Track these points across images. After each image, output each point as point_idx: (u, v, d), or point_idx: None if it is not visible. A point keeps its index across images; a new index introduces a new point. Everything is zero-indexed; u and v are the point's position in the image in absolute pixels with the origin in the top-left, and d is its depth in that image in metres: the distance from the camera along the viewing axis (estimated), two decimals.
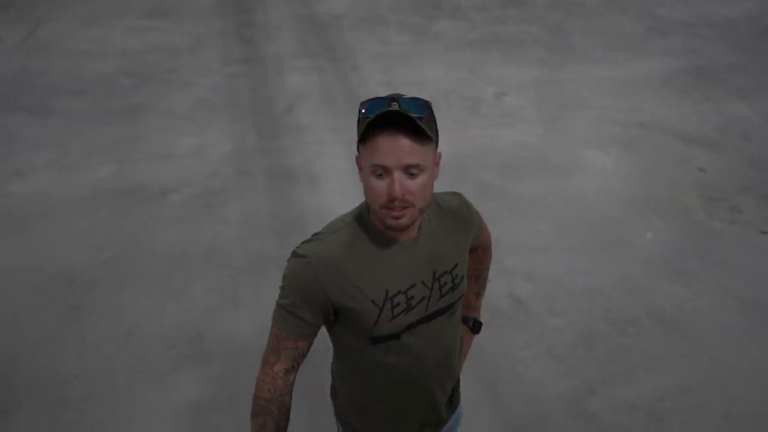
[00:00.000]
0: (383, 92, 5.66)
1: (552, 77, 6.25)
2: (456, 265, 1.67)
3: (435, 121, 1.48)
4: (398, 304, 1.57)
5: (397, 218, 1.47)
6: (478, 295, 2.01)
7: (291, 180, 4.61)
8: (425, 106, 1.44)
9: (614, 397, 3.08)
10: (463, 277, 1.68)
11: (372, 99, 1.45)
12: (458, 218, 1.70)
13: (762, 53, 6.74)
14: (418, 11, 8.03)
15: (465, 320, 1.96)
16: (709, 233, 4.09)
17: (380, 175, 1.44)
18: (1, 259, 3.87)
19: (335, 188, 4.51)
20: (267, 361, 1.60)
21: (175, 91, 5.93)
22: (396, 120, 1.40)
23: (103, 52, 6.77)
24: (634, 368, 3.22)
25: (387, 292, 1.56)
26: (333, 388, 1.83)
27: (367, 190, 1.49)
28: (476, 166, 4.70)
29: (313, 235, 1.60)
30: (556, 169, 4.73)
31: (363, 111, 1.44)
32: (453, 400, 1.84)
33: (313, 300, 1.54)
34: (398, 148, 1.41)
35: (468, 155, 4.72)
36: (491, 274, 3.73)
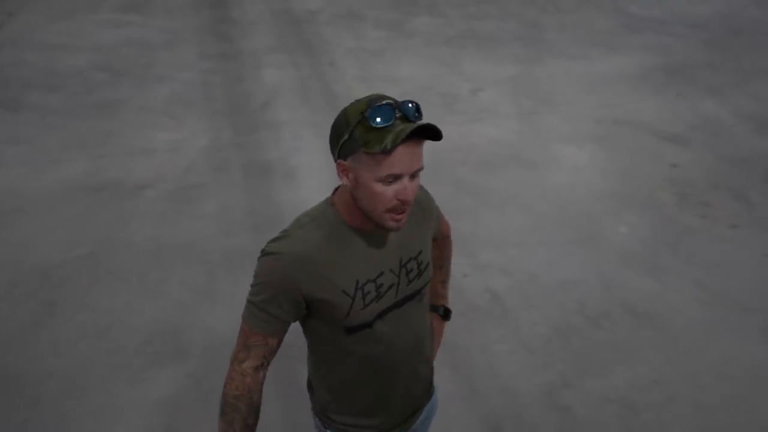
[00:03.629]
0: (360, 88, 5.65)
1: (527, 73, 6.29)
2: (420, 252, 1.70)
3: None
4: (369, 292, 1.60)
5: (398, 220, 1.51)
6: (444, 282, 2.05)
7: (267, 175, 4.59)
8: (416, 104, 1.47)
9: (588, 390, 3.12)
10: (428, 263, 1.73)
11: (371, 108, 1.43)
12: (421, 207, 1.73)
13: (733, 51, 6.84)
14: (395, 7, 8.03)
15: (435, 308, 2.02)
16: (680, 228, 4.15)
17: (390, 182, 1.46)
18: None
19: (312, 183, 4.51)
20: (236, 359, 1.61)
21: (151, 86, 5.88)
22: (417, 131, 1.42)
23: (76, 47, 6.68)
24: (608, 361, 3.26)
25: (357, 281, 1.59)
26: (309, 382, 1.84)
27: (371, 196, 1.48)
28: (452, 161, 4.72)
29: (281, 233, 1.61)
30: (532, 164, 4.77)
31: (376, 120, 1.42)
32: (429, 386, 1.88)
33: (285, 295, 1.55)
34: (414, 156, 1.45)
35: (444, 151, 4.73)
36: (467, 269, 3.78)
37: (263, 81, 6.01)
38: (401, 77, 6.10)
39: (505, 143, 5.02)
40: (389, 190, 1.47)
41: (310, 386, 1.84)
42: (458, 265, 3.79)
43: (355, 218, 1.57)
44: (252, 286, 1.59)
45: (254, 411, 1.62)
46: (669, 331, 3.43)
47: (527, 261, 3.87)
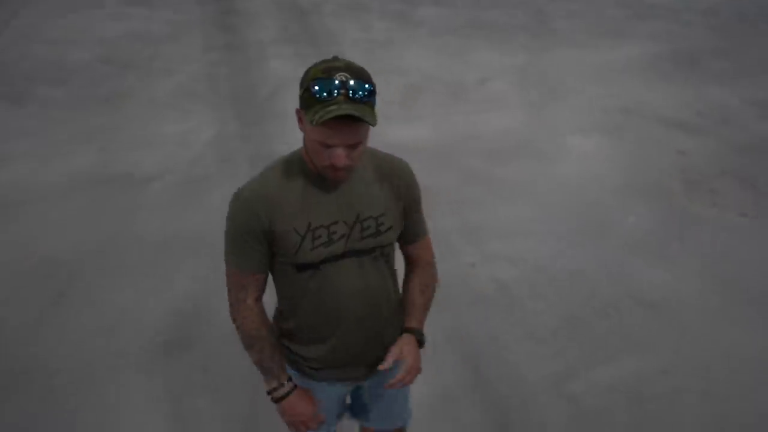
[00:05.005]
0: None
1: (535, 62, 6.28)
2: (382, 215, 1.79)
3: (375, 94, 1.59)
4: (320, 236, 1.72)
5: (336, 176, 1.65)
6: (423, 308, 1.95)
7: None
8: (370, 86, 1.56)
9: (595, 380, 3.13)
10: (389, 228, 1.80)
11: (320, 77, 1.54)
12: (395, 174, 1.82)
13: (742, 38, 6.80)
14: None
15: (411, 331, 1.91)
16: (689, 217, 4.15)
17: (325, 147, 1.59)
18: None
19: None
20: (238, 299, 1.79)
21: (156, 79, 5.90)
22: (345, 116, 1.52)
23: (82, 40, 6.71)
24: (615, 351, 3.27)
25: (310, 224, 1.71)
26: (275, 313, 1.97)
27: (310, 150, 1.63)
28: (460, 152, 4.72)
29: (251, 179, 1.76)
30: (540, 154, 4.77)
31: (315, 89, 1.52)
32: (380, 348, 1.92)
33: (253, 230, 1.70)
34: (348, 132, 1.56)
35: (452, 141, 4.75)
36: (475, 259, 3.79)
37: (269, 72, 6.03)
38: (408, 68, 6.09)
39: (512, 133, 5.02)
40: (325, 152, 1.60)
41: (276, 316, 1.98)
42: (465, 254, 3.82)
43: (313, 166, 1.69)
44: (225, 233, 1.74)
45: (272, 333, 1.84)
46: (677, 321, 3.44)
47: (535, 251, 3.88)
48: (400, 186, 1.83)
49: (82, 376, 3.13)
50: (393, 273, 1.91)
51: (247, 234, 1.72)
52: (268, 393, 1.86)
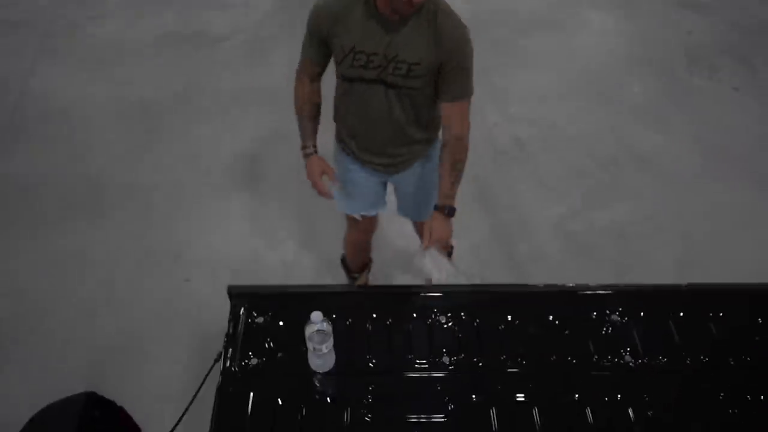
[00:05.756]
0: None
1: None
2: (417, 64, 1.79)
3: None
4: (359, 59, 1.81)
5: (405, 11, 1.68)
6: (454, 184, 1.87)
7: None
8: None
9: (591, 221, 3.19)
10: (418, 77, 1.82)
11: None
12: (447, 36, 1.76)
13: None
14: None
15: (441, 208, 1.85)
16: (688, 88, 4.02)
17: None
18: (89, 92, 3.91)
19: None
20: (298, 76, 1.99)
21: None
22: None
23: None
24: (610, 198, 3.31)
25: (354, 47, 1.79)
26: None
27: None
28: (491, 23, 4.52)
29: None
30: (561, 27, 4.55)
31: None
32: (395, 163, 2.09)
33: (315, 33, 1.85)
34: None
35: (485, 13, 4.55)
36: (498, 118, 3.76)
37: None
38: None
39: (539, 8, 4.77)
40: None
41: (335, 115, 2.12)
42: (489, 114, 3.79)
43: (386, 4, 1.71)
44: (306, 29, 1.88)
45: (316, 105, 2.01)
46: (667, 177, 3.44)
47: (550, 113, 3.82)
48: (448, 48, 1.76)
49: (173, 193, 3.28)
50: (417, 113, 1.95)
51: (312, 34, 1.86)
52: (302, 149, 2.05)
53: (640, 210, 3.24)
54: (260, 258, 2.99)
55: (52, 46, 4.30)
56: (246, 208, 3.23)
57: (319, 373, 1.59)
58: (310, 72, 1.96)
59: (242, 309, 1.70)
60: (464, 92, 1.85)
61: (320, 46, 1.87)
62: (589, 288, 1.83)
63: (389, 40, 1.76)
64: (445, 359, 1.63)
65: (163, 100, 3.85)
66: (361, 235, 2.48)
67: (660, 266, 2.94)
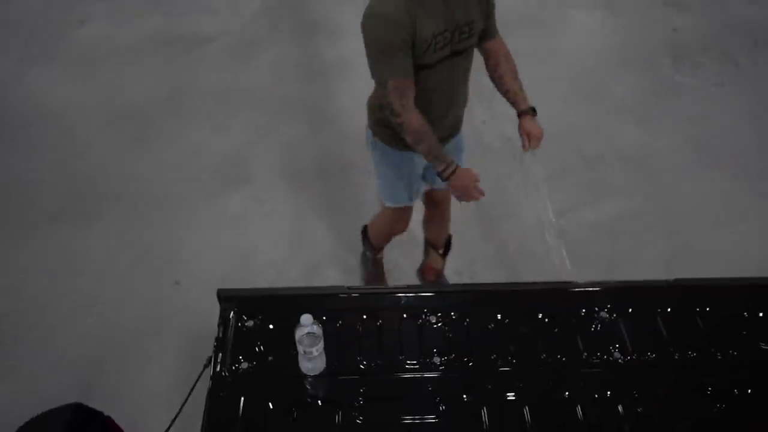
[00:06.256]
0: None
1: None
2: (473, 21, 1.94)
3: None
4: (438, 42, 1.85)
5: None
6: (521, 89, 2.14)
7: (314, 32, 4.47)
8: None
9: (580, 218, 3.20)
10: (476, 33, 1.97)
11: None
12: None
13: None
14: None
15: (527, 111, 2.13)
16: (672, 85, 4.03)
17: None
18: (76, 96, 3.87)
19: (353, 39, 4.34)
20: (402, 106, 1.88)
21: None
22: None
23: None
24: (598, 195, 3.32)
25: (433, 32, 1.83)
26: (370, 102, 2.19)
27: None
28: None
29: (374, 2, 1.84)
30: (547, 26, 4.56)
31: None
32: (457, 122, 2.24)
33: (403, 40, 1.79)
34: None
35: None
36: (486, 117, 3.76)
37: None
38: None
39: (523, 7, 4.77)
40: None
41: (370, 104, 2.20)
42: (478, 113, 3.79)
43: None
44: (377, 49, 1.84)
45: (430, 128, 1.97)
46: (652, 173, 3.45)
47: (537, 111, 3.82)
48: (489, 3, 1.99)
49: (162, 196, 3.26)
50: (469, 69, 2.09)
51: (398, 44, 1.79)
52: (440, 173, 2.00)
53: (628, 206, 3.25)
54: (250, 260, 2.97)
55: (38, 50, 4.26)
56: (235, 211, 3.22)
57: (310, 376, 1.58)
58: (412, 89, 1.88)
59: (232, 312, 1.69)
60: (496, 28, 2.11)
61: (408, 53, 1.81)
62: (577, 285, 1.84)
63: (450, 11, 1.86)
64: (436, 359, 1.63)
65: (151, 103, 3.83)
66: (405, 224, 2.52)
67: (649, 262, 2.96)
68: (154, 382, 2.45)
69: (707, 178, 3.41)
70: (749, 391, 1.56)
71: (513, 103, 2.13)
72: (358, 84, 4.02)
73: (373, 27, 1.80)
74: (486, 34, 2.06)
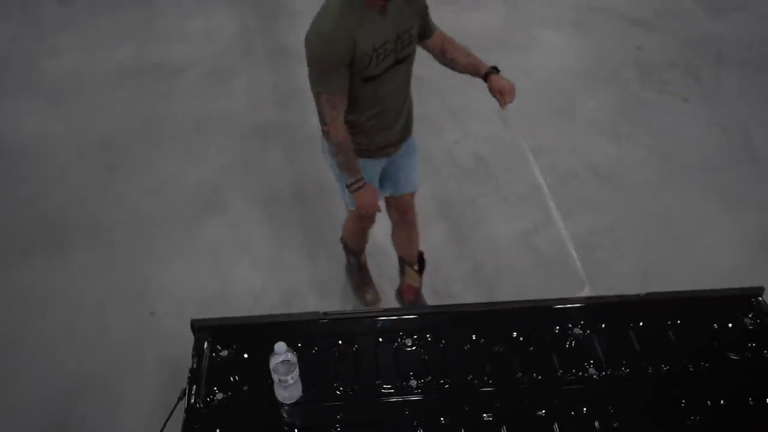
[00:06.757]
0: None
1: None
2: (411, 27, 2.03)
3: None
4: (380, 54, 1.93)
5: (386, 2, 1.86)
6: (471, 55, 2.25)
7: (288, 57, 4.50)
8: None
9: (554, 235, 3.19)
10: (414, 38, 2.07)
11: None
12: (419, 3, 2.07)
13: None
14: None
15: (491, 71, 2.21)
16: (640, 102, 4.11)
17: None
18: (47, 128, 3.85)
19: None
20: (332, 119, 1.99)
21: None
22: None
23: None
24: (572, 212, 3.31)
25: (374, 45, 1.91)
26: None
27: None
28: None
29: (316, 19, 1.89)
30: (517, 46, 4.63)
31: None
32: (408, 124, 2.30)
33: (341, 58, 1.87)
34: None
35: None
36: (458, 137, 3.80)
37: None
38: None
39: (493, 28, 4.85)
40: None
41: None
42: (450, 132, 3.83)
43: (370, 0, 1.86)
44: (316, 65, 1.91)
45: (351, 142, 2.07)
46: (624, 188, 3.50)
47: (506, 130, 3.86)
48: (418, 3, 2.06)
49: (137, 227, 3.23)
50: (412, 66, 2.15)
51: (337, 62, 1.87)
52: (349, 186, 2.13)
53: (600, 221, 3.29)
54: (228, 288, 2.95)
55: (7, 82, 4.23)
56: (211, 239, 3.19)
57: (286, 404, 1.56)
58: (342, 105, 1.99)
59: (206, 343, 1.67)
60: (434, 24, 2.18)
61: (345, 70, 1.90)
62: (550, 302, 1.85)
63: (389, 23, 1.94)
64: (413, 382, 1.62)
65: (123, 134, 3.81)
66: (369, 222, 2.58)
67: (623, 276, 2.98)
68: (131, 414, 2.40)
69: (679, 190, 3.46)
70: (722, 402, 1.57)
71: (475, 73, 2.21)
72: None
73: (312, 43, 1.87)
74: (424, 33, 2.14)
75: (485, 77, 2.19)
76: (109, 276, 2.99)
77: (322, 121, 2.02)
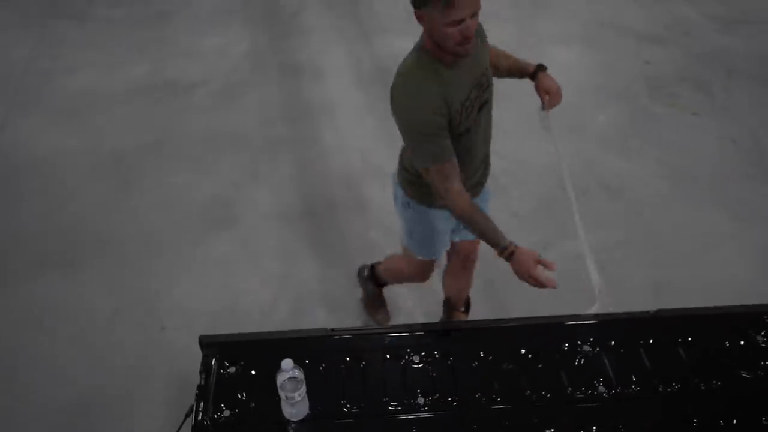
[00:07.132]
0: None
1: None
2: (487, 68, 1.92)
3: None
4: (467, 107, 1.81)
5: (467, 48, 1.69)
6: (518, 59, 2.17)
7: (299, 74, 4.54)
8: None
9: (565, 250, 3.18)
10: (490, 78, 1.94)
11: None
12: (481, 35, 1.90)
13: None
14: None
15: (537, 68, 2.12)
16: (650, 116, 4.09)
17: (456, 25, 1.61)
18: (63, 143, 3.89)
19: (336, 81, 4.45)
20: (449, 190, 1.80)
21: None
22: None
23: None
24: (583, 226, 3.31)
25: (461, 102, 1.79)
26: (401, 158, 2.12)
27: (440, 37, 1.66)
28: None
29: (399, 89, 1.76)
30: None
31: None
32: (488, 170, 2.20)
33: (440, 123, 1.74)
34: (470, 2, 1.61)
35: None
36: None
37: None
38: None
39: (504, 45, 4.84)
40: (456, 30, 1.62)
41: (401, 163, 2.11)
42: None
43: (443, 54, 1.72)
44: (413, 138, 1.78)
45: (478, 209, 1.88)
46: (634, 202, 3.47)
47: (519, 146, 3.85)
48: (484, 40, 1.94)
49: (149, 242, 3.24)
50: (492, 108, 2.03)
51: (437, 128, 1.74)
52: (501, 253, 1.87)
53: (611, 237, 3.26)
54: (237, 304, 2.95)
55: (24, 99, 4.29)
56: (222, 253, 3.20)
57: (293, 421, 1.55)
58: (455, 171, 1.79)
59: (214, 359, 1.67)
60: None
61: (446, 134, 1.76)
62: (559, 319, 1.83)
63: (468, 71, 1.82)
64: (420, 400, 1.61)
65: (136, 149, 3.84)
66: (428, 275, 2.47)
67: (634, 292, 2.94)
68: (141, 430, 2.40)
69: (689, 205, 3.43)
70: (734, 421, 1.54)
71: (522, 74, 2.11)
72: (342, 124, 4.12)
73: (407, 116, 1.74)
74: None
75: (533, 75, 2.09)
76: (120, 290, 3.00)
77: (437, 194, 1.84)
